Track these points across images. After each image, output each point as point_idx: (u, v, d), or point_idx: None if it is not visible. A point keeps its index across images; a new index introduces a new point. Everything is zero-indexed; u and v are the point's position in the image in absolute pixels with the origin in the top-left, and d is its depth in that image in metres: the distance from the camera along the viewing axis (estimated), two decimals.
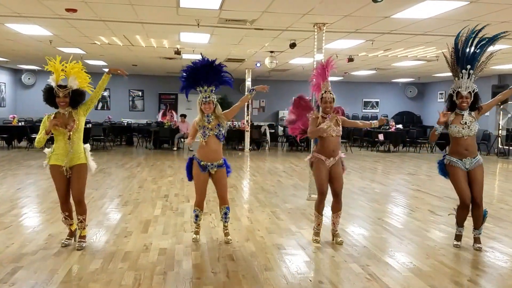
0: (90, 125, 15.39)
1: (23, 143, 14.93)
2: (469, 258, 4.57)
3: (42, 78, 18.80)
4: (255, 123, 17.37)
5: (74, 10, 7.09)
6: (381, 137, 15.67)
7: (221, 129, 4.74)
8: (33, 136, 14.12)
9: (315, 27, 7.53)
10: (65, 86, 4.41)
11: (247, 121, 15.44)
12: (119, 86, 19.37)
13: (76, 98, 4.46)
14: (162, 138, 15.66)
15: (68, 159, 4.41)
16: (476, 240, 4.87)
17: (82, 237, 4.63)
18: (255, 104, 19.88)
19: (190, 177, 4.90)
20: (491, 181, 9.89)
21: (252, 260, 4.37)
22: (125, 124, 17.59)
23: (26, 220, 5.65)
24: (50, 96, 4.43)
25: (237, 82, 19.80)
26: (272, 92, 19.78)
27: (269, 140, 16.25)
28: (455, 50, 4.67)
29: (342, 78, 18.62)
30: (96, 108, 19.43)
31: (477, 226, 4.83)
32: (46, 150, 4.56)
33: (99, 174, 9.46)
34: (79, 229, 4.63)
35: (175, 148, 15.31)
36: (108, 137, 15.34)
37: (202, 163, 4.73)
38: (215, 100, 4.77)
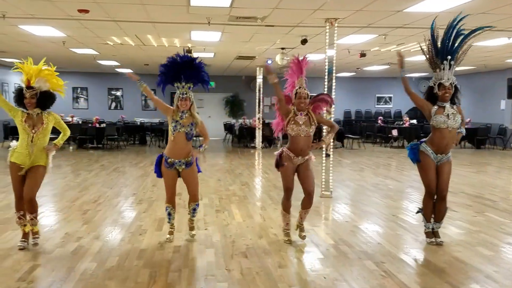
0: (104, 124, 15.53)
1: None
2: (485, 254, 4.51)
3: None
4: (267, 121, 17.31)
5: (86, 11, 7.14)
6: (394, 132, 15.54)
7: (193, 128, 4.69)
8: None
9: (327, 22, 7.48)
10: (32, 88, 4.45)
11: (258, 118, 15.44)
12: (132, 86, 19.46)
13: (44, 100, 4.50)
14: None
15: (29, 160, 4.44)
16: (436, 234, 4.87)
17: (35, 233, 4.64)
18: (266, 101, 19.84)
19: (158, 174, 4.85)
20: (508, 176, 9.76)
21: (265, 258, 4.37)
22: (138, 123, 17.69)
23: (43, 219, 5.72)
24: (19, 97, 4.46)
25: (248, 80, 19.83)
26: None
27: (281, 137, 16.19)
28: (433, 42, 4.61)
29: (354, 73, 18.50)
30: (109, 108, 19.63)
31: (439, 219, 4.85)
32: (12, 144, 4.59)
33: (113, 173, 9.56)
34: (31, 225, 4.59)
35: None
36: (121, 136, 15.46)
37: (169, 160, 4.69)
38: (192, 97, 4.69)
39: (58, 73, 4.73)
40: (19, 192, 4.52)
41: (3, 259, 4.20)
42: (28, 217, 4.56)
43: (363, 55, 11.64)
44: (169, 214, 4.85)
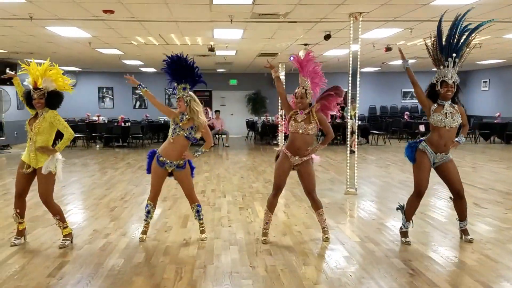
0: (129, 123, 15.76)
1: None
2: None
3: (83, 79, 19.39)
4: None
5: (111, 11, 7.24)
6: (422, 128, 15.25)
7: (192, 132, 4.59)
8: (76, 135, 14.61)
9: (351, 17, 7.38)
10: (40, 88, 4.47)
11: (281, 115, 15.37)
12: (155, 86, 19.66)
13: (52, 99, 4.51)
14: None
15: (31, 158, 4.47)
16: (465, 232, 4.76)
17: (66, 235, 4.62)
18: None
19: (148, 170, 4.79)
20: None
21: (290, 255, 4.35)
22: (162, 121, 17.87)
23: (72, 217, 5.84)
24: (28, 98, 4.50)
25: (271, 77, 19.74)
26: None
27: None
28: (438, 38, 4.45)
29: (379, 68, 18.24)
30: (134, 107, 19.89)
31: (463, 217, 4.72)
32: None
33: (138, 171, 9.69)
34: (61, 228, 4.61)
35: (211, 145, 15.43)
36: (146, 134, 15.66)
37: (160, 158, 4.62)
38: (187, 99, 4.56)
39: (62, 71, 4.73)
40: (19, 188, 4.58)
41: (34, 256, 4.30)
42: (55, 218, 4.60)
43: (388, 49, 11.45)
44: (148, 212, 4.73)
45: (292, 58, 4.84)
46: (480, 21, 4.49)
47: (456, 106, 4.50)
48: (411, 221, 4.77)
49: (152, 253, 4.39)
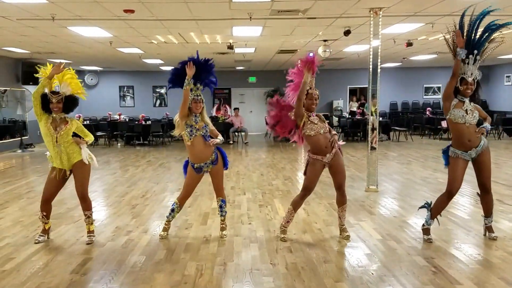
0: (150, 121, 15.92)
1: None
2: None
3: (104, 79, 19.66)
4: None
5: (132, 11, 7.32)
6: (444, 124, 15.00)
7: (207, 130, 4.64)
8: (98, 134, 14.87)
9: (371, 12, 7.29)
10: (58, 93, 4.52)
11: None
12: None
13: (69, 104, 4.57)
14: None
15: (63, 161, 4.52)
16: (489, 229, 4.67)
17: (91, 232, 4.76)
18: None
19: (185, 172, 4.83)
20: None
21: (310, 252, 4.33)
22: None
23: (94, 214, 5.87)
24: (44, 102, 4.47)
25: None
26: (326, 82, 19.58)
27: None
28: (460, 33, 4.34)
29: (400, 63, 17.98)
30: (154, 106, 20.07)
31: (488, 213, 4.63)
32: (48, 153, 4.65)
33: (159, 168, 9.79)
34: (87, 224, 4.75)
35: (231, 142, 15.49)
36: (166, 133, 15.80)
37: (195, 165, 4.67)
38: (203, 100, 4.65)
39: (77, 76, 4.78)
40: (48, 194, 4.64)
41: (58, 253, 4.39)
42: (84, 215, 4.73)
43: (409, 44, 11.27)
44: (172, 210, 4.83)
45: (311, 55, 4.78)
46: (503, 15, 4.38)
47: (472, 104, 4.42)
48: (436, 219, 4.69)
49: (173, 250, 4.43)
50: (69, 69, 4.71)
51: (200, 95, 4.61)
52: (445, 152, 4.59)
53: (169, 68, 18.06)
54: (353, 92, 20.45)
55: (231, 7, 7.26)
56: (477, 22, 4.31)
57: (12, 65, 14.14)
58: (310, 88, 4.59)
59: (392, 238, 4.74)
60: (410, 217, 5.56)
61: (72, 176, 4.66)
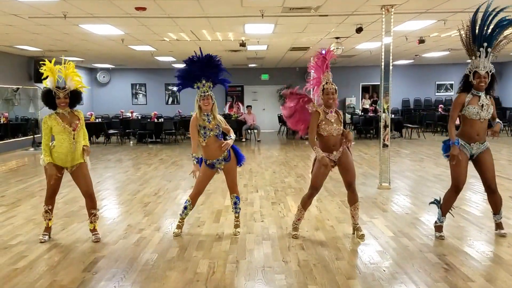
0: (162, 119, 16.00)
1: (101, 139, 15.90)
2: None
3: (116, 76, 19.80)
4: None
5: (144, 8, 7.36)
6: (457, 121, 14.84)
7: (220, 129, 4.68)
8: (110, 132, 15.00)
9: (383, 9, 7.24)
10: (63, 88, 4.50)
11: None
12: None
13: (74, 98, 4.56)
14: None
15: (70, 158, 4.51)
16: (499, 225, 4.65)
17: (95, 230, 4.76)
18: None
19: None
20: None
21: (322, 250, 4.33)
22: None
23: (106, 212, 5.99)
24: (49, 98, 4.46)
25: (303, 71, 19.65)
26: (338, 79, 19.41)
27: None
28: (472, 28, 4.30)
29: (412, 61, 17.83)
30: (166, 103, 20.17)
31: (497, 211, 4.60)
32: (42, 157, 4.53)
33: (172, 166, 9.85)
34: (91, 222, 4.74)
35: (243, 140, 15.51)
36: (179, 130, 15.87)
37: (208, 162, 4.71)
38: (214, 97, 4.63)
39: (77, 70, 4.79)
40: (54, 190, 4.63)
41: (70, 251, 4.42)
42: (90, 213, 4.72)
43: (421, 41, 11.18)
44: (185, 208, 4.83)
45: (324, 52, 4.77)
46: None
47: (488, 97, 4.39)
48: (450, 213, 4.67)
49: (185, 248, 4.45)
50: (69, 63, 4.66)
51: (207, 91, 4.57)
52: (446, 142, 4.54)
53: (182, 66, 18.14)
54: (365, 89, 20.33)
55: (243, 4, 7.26)
56: (490, 17, 4.27)
57: (25, 63, 14.31)
58: (327, 82, 4.48)
59: (404, 235, 4.72)
60: (422, 214, 5.53)
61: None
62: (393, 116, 14.57)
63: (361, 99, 19.86)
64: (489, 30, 4.28)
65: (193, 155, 4.71)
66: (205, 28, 9.49)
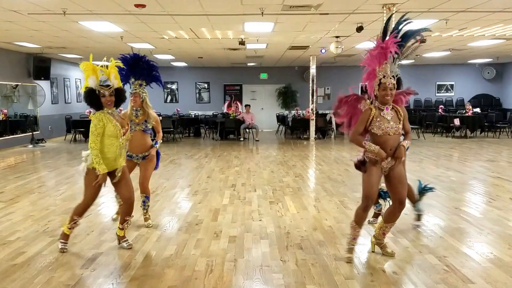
0: (160, 117, 15.95)
1: None
2: None
3: None
4: (320, 111, 17.09)
5: (143, 6, 7.32)
6: (456, 122, 14.84)
7: (148, 125, 4.89)
8: None
9: (384, 8, 7.22)
10: (108, 85, 4.16)
11: (312, 109, 15.25)
12: (187, 80, 19.89)
13: (119, 96, 4.20)
14: (228, 129, 15.90)
15: (116, 163, 4.15)
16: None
17: (125, 236, 4.45)
18: (320, 91, 19.55)
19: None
20: None
21: (321, 249, 4.30)
22: (193, 116, 18.04)
23: (104, 209, 5.96)
24: (93, 98, 4.11)
25: (301, 70, 19.64)
26: (337, 79, 19.46)
27: (334, 128, 15.93)
28: (383, 35, 4.19)
29: (413, 60, 17.81)
30: (165, 101, 20.12)
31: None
32: (84, 153, 4.16)
33: (170, 165, 9.81)
34: (122, 229, 4.40)
35: (241, 139, 15.48)
36: (177, 129, 15.84)
37: (128, 153, 4.88)
38: (144, 94, 4.84)
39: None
40: (94, 200, 4.25)
41: (68, 247, 4.38)
42: (124, 220, 4.37)
43: (422, 41, 11.12)
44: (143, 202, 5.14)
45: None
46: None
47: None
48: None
49: (184, 246, 4.43)
50: (111, 59, 4.47)
51: (136, 89, 4.81)
52: None
53: (180, 63, 18.10)
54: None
55: (243, 2, 7.22)
56: (399, 27, 4.19)
57: (24, 60, 14.24)
58: (384, 76, 3.88)
59: (404, 236, 4.69)
60: (422, 215, 5.50)
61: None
62: None
63: None
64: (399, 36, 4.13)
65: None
66: (204, 26, 9.45)
